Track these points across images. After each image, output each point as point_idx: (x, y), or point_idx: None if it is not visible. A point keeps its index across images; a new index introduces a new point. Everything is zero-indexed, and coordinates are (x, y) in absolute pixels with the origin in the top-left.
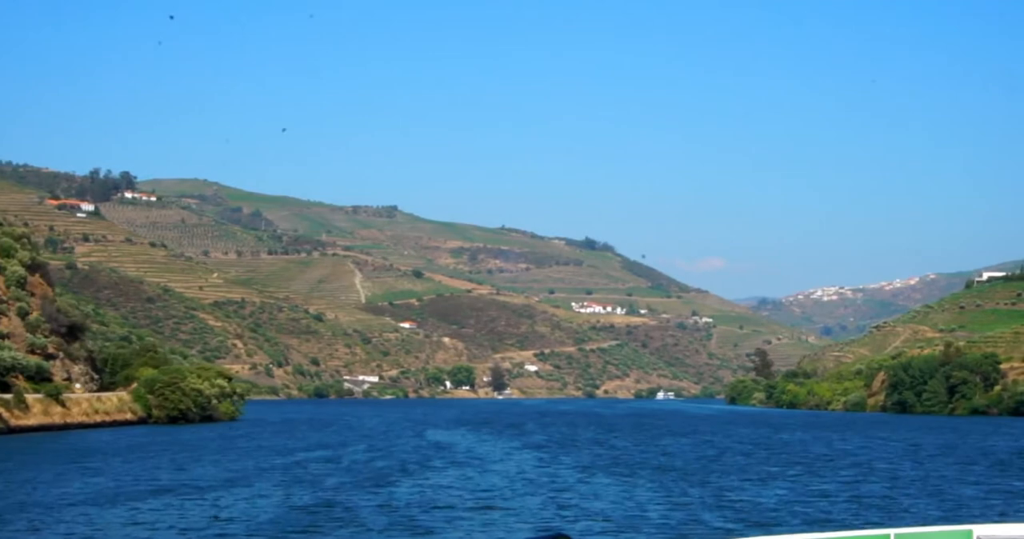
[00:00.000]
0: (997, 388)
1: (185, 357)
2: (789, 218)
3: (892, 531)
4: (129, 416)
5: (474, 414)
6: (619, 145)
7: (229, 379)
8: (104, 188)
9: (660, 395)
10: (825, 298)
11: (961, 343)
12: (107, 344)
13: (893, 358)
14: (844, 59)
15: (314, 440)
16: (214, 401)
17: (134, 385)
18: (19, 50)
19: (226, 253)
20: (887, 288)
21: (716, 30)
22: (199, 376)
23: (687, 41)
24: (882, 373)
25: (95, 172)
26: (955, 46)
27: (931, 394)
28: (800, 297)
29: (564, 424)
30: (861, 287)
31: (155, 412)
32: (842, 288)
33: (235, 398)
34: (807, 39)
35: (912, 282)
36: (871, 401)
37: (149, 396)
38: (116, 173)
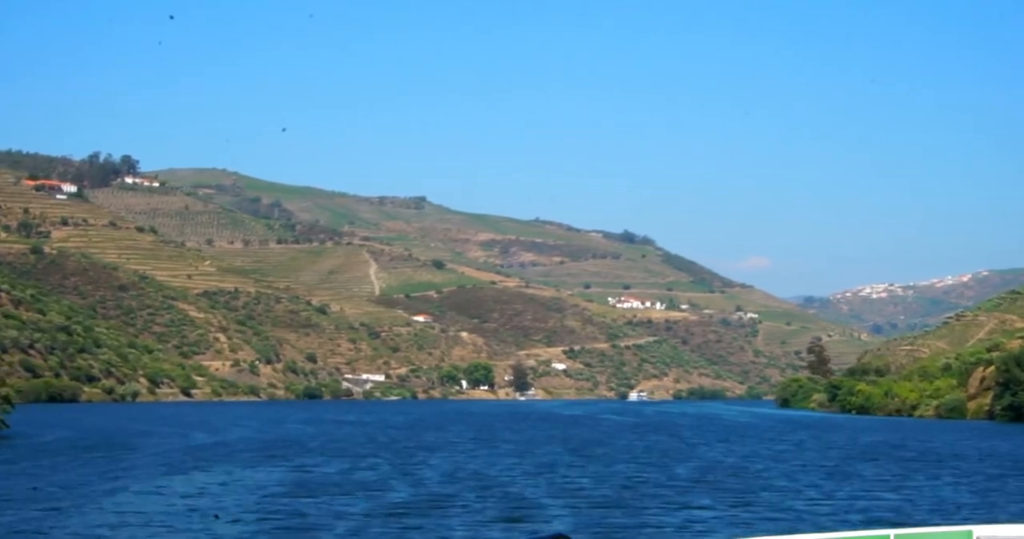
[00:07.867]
0: None
1: (150, 352)
2: (836, 215)
3: (892, 531)
4: None
5: (436, 421)
6: (659, 138)
7: None
8: (103, 173)
9: (633, 396)
10: (874, 295)
11: None
12: None
13: (989, 351)
14: (892, 54)
15: None
16: None
17: None
18: (33, 48)
19: (232, 242)
20: (938, 285)
21: (766, 25)
22: None
23: (736, 34)
24: (981, 369)
25: (94, 156)
26: (1014, 40)
27: None
28: (848, 295)
29: (527, 447)
30: (912, 284)
31: None
32: (892, 285)
33: None
34: (852, 34)
35: (964, 279)
36: (972, 405)
37: None
38: (117, 157)
